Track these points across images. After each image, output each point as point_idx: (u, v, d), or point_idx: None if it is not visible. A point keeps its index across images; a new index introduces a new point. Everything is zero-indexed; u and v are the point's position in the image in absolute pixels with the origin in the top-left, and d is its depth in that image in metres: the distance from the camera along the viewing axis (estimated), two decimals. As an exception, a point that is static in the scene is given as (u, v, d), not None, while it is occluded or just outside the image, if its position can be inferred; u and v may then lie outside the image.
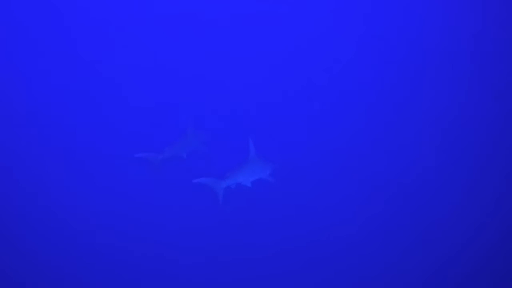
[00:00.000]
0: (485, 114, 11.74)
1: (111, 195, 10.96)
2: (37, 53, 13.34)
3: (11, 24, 13.45)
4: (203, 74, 13.01)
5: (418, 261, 9.74)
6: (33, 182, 11.29)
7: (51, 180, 11.36)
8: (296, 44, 13.21)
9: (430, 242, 10.00)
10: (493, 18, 12.48)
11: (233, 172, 8.09)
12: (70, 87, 13.07)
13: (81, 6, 13.59)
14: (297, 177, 10.84)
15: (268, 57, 13.09)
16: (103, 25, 13.49)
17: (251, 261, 9.85)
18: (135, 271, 9.85)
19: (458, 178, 10.98)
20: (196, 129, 10.14)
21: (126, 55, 13.39)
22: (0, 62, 13.14)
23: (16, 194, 11.05)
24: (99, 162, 11.73)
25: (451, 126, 11.76)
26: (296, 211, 10.56)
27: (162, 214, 10.67)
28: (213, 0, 13.49)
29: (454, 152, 11.39)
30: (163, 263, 9.94)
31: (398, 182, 10.91)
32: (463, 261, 9.58)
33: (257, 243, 10.08)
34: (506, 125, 11.54)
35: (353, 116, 12.27)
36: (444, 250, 9.85)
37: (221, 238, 10.20)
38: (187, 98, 12.51)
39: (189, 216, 10.58)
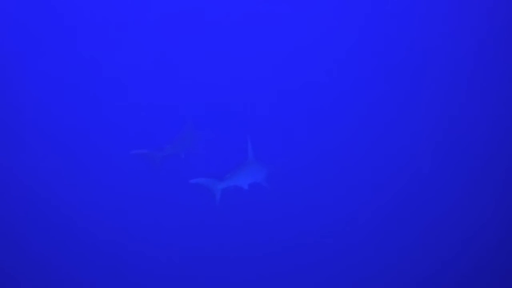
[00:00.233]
0: (485, 113, 11.70)
1: (108, 194, 10.98)
2: (38, 52, 13.32)
3: (12, 23, 13.43)
4: (201, 74, 12.97)
5: (417, 261, 9.74)
6: (33, 180, 11.29)
7: (50, 178, 11.37)
8: (295, 45, 13.17)
9: (429, 242, 10.00)
10: (493, 17, 12.45)
11: (232, 174, 8.04)
12: (70, 86, 13.04)
13: (82, 5, 13.55)
14: (294, 179, 10.82)
15: (266, 58, 13.04)
16: (102, 24, 13.46)
17: (248, 261, 9.87)
18: (133, 269, 9.87)
19: (457, 178, 10.97)
20: (193, 127, 10.14)
21: (125, 54, 13.34)
22: (1, 62, 13.12)
23: (16, 192, 11.06)
24: (97, 161, 11.75)
25: (450, 126, 11.74)
26: (293, 213, 10.56)
27: (159, 213, 10.69)
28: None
29: (454, 152, 11.37)
30: (160, 262, 9.96)
31: (397, 184, 10.90)
32: (463, 261, 9.58)
33: (254, 244, 10.10)
34: (506, 125, 11.50)
35: (352, 118, 12.24)
36: (443, 251, 9.86)
37: (217, 238, 10.21)
38: (185, 97, 12.49)
39: (187, 216, 10.59)
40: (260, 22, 13.23)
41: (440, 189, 10.81)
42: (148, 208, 10.82)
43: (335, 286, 9.47)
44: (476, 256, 9.63)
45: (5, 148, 11.81)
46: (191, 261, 9.91)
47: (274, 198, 10.28)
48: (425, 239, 10.05)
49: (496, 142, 11.25)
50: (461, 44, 12.42)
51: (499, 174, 10.84)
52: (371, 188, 10.90)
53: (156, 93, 12.93)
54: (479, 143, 11.33)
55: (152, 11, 13.62)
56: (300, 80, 12.88)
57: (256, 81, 12.85)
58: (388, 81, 12.49)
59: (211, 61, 13.02)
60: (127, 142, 11.35)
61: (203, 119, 11.14)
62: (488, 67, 12.17)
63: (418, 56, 12.58)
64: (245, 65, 12.88)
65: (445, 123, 11.79)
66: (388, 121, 12.07)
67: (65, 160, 11.81)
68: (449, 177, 10.99)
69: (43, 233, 10.38)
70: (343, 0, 13.15)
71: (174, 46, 13.42)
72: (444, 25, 12.73)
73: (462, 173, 11.03)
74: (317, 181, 11.04)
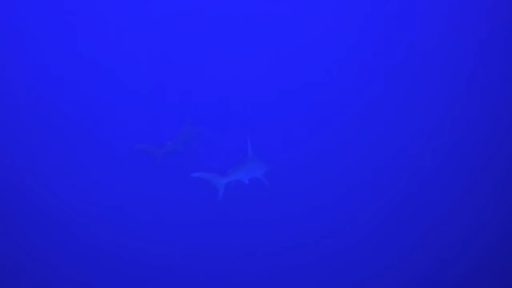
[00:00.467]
0: (485, 113, 11.72)
1: (109, 191, 10.98)
2: (39, 51, 13.34)
3: (12, 22, 13.45)
4: (201, 72, 12.99)
5: (417, 260, 9.72)
6: (36, 178, 11.32)
7: (51, 176, 11.38)
8: (295, 43, 13.18)
9: (429, 242, 9.99)
10: (493, 17, 12.47)
11: (233, 169, 8.08)
12: (71, 84, 13.07)
13: (83, 4, 13.56)
14: (294, 177, 10.82)
15: (267, 56, 13.07)
16: (104, 24, 13.48)
17: (248, 259, 9.86)
18: (135, 266, 9.87)
19: (457, 177, 10.98)
20: (192, 125, 10.16)
21: (125, 52, 13.38)
22: (1, 61, 13.13)
23: (18, 190, 11.07)
24: (97, 158, 11.77)
25: (450, 126, 11.75)
26: (293, 212, 10.56)
27: (159, 210, 10.69)
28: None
29: (454, 151, 11.37)
30: (161, 259, 9.94)
31: (397, 184, 10.89)
32: (463, 261, 9.57)
33: (254, 242, 10.09)
34: (506, 125, 11.50)
35: (352, 117, 12.25)
36: (443, 250, 9.85)
37: (217, 236, 10.21)
38: (184, 95, 12.53)
39: (187, 213, 10.59)
40: (261, 21, 13.25)
41: (440, 188, 10.81)
42: (149, 205, 10.83)
43: (335, 285, 9.45)
44: (476, 256, 9.62)
45: (6, 146, 11.83)
46: (191, 258, 9.89)
47: (274, 196, 10.29)
48: (425, 238, 10.04)
49: (496, 141, 11.25)
50: (461, 44, 12.45)
51: (499, 173, 10.84)
52: (371, 187, 10.89)
53: (156, 91, 12.96)
54: (479, 142, 11.34)
55: (154, 10, 13.61)
56: (300, 79, 12.91)
57: (256, 79, 12.87)
58: (388, 81, 12.51)
59: (211, 59, 13.04)
60: (128, 139, 11.48)
61: (202, 117, 11.11)
62: (488, 67, 12.19)
63: (418, 56, 12.62)
64: (246, 63, 12.92)
65: (445, 123, 11.81)
66: (388, 121, 12.09)
67: (66, 157, 11.82)
68: (449, 177, 10.99)
69: (44, 230, 10.37)
70: (343, 0, 13.18)
71: (175, 44, 13.42)
72: (443, 25, 12.76)
73: (462, 173, 11.04)
74: (317, 179, 11.04)
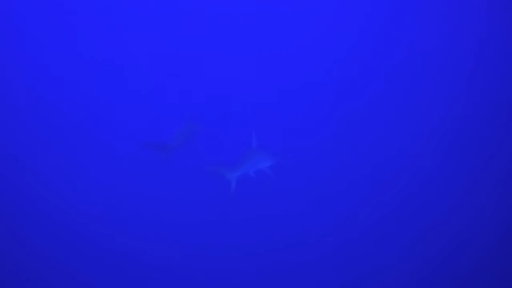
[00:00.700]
0: (485, 113, 11.74)
1: (109, 190, 11.01)
2: (39, 51, 13.32)
3: (13, 22, 13.43)
4: (201, 68, 12.97)
5: (418, 259, 9.76)
6: (35, 178, 11.33)
7: (51, 175, 11.40)
8: (299, 38, 13.17)
9: (431, 240, 10.01)
10: (493, 17, 12.47)
11: (241, 162, 8.13)
12: (70, 84, 13.06)
13: (83, 4, 13.54)
14: (295, 173, 10.83)
15: (269, 52, 13.08)
16: (106, 23, 13.46)
17: (250, 257, 9.90)
18: (138, 266, 9.88)
19: (457, 177, 11.00)
20: (192, 121, 10.15)
21: (126, 51, 13.38)
22: (2, 61, 13.11)
23: (20, 190, 11.10)
24: (97, 158, 11.78)
25: (451, 125, 11.77)
26: (295, 208, 10.57)
27: (160, 208, 10.74)
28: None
29: (454, 150, 11.39)
30: (163, 258, 9.96)
31: (399, 182, 10.92)
32: (461, 261, 9.60)
33: (255, 238, 10.12)
34: (505, 124, 11.52)
35: (353, 113, 12.26)
36: (444, 248, 9.88)
37: (219, 233, 10.25)
38: (184, 91, 12.51)
39: (189, 210, 10.64)
40: (263, 15, 13.22)
41: (441, 187, 10.84)
42: (151, 203, 10.84)
43: (337, 282, 9.50)
44: (475, 255, 9.66)
45: (7, 146, 11.84)
46: (193, 257, 9.92)
47: (276, 192, 10.32)
48: (427, 236, 10.06)
49: (496, 140, 11.27)
50: (461, 44, 12.46)
51: (499, 172, 10.86)
52: (373, 183, 10.91)
53: (156, 89, 12.94)
54: (479, 141, 11.37)
55: (154, 9, 13.58)
56: (303, 75, 12.90)
57: (257, 75, 12.87)
58: (390, 79, 12.51)
59: (212, 56, 13.04)
60: (128, 137, 11.54)
61: (202, 113, 11.08)
62: (488, 66, 12.19)
63: (419, 55, 12.63)
64: (249, 58, 12.95)
65: (445, 122, 11.84)
66: (391, 117, 12.11)
67: (66, 156, 11.81)
68: (450, 175, 11.01)
69: (45, 230, 10.37)
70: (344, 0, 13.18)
71: (174, 42, 13.38)
72: (443, 25, 12.77)
73: (462, 171, 11.07)
74: (318, 176, 11.06)
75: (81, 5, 13.55)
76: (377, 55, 12.88)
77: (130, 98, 12.87)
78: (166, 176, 10.95)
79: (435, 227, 10.16)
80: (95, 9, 13.60)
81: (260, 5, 13.35)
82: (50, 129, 12.36)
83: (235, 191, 8.09)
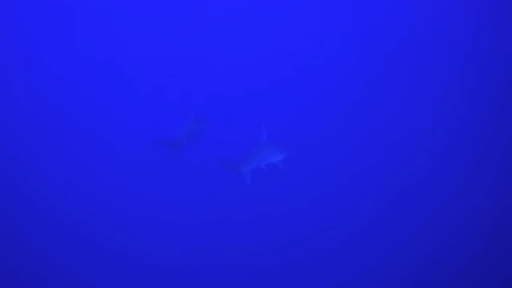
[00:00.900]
0: (482, 111, 11.76)
1: (111, 191, 11.04)
2: (42, 51, 13.29)
3: (12, 22, 13.42)
4: (205, 65, 12.95)
5: (417, 256, 9.82)
6: (36, 179, 11.35)
7: (52, 176, 11.40)
8: (302, 34, 13.14)
9: (430, 237, 10.07)
10: (491, 16, 12.48)
11: (252, 156, 8.10)
12: (72, 85, 13.05)
13: (84, 3, 13.51)
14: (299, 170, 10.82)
15: (273, 49, 13.12)
16: (110, 22, 13.44)
17: (253, 256, 9.94)
18: (143, 267, 9.95)
19: (456, 174, 11.06)
20: (197, 119, 10.13)
21: (129, 51, 13.37)
22: (2, 61, 13.10)
23: (25, 190, 11.13)
24: (97, 158, 11.78)
25: (449, 123, 11.82)
26: (298, 205, 10.65)
27: (166, 207, 10.81)
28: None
29: (451, 149, 11.40)
30: (166, 259, 10.03)
31: (402, 180, 10.94)
32: (459, 258, 9.67)
33: (258, 236, 10.19)
34: (502, 123, 11.50)
35: (352, 113, 12.28)
36: (439, 249, 9.93)
37: (221, 233, 10.32)
38: (188, 89, 12.50)
39: (193, 210, 10.71)
40: (266, 15, 13.23)
41: (441, 185, 10.88)
42: (154, 202, 10.92)
43: (337, 279, 9.53)
44: (473, 252, 9.74)
45: (26, 148, 11.84)
46: (194, 257, 9.98)
47: (280, 189, 10.33)
48: (426, 234, 10.13)
49: (492, 139, 11.31)
50: (460, 42, 12.49)
51: (495, 172, 10.90)
52: (370, 183, 10.94)
53: (159, 88, 12.92)
54: (475, 140, 11.40)
55: (158, 8, 13.54)
56: (306, 74, 12.91)
57: (262, 72, 12.84)
58: (390, 76, 12.51)
59: (216, 53, 13.04)
60: (130, 137, 11.64)
61: (207, 111, 11.03)
62: (485, 64, 12.19)
63: (418, 54, 12.62)
64: (256, 54, 12.96)
65: (444, 120, 11.88)
66: (391, 114, 12.11)
67: (66, 157, 11.83)
68: (449, 173, 11.06)
69: (45, 231, 10.41)
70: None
71: (178, 41, 13.36)
72: (442, 23, 12.79)
73: (461, 169, 11.13)
74: (321, 173, 11.10)
75: (82, 5, 13.49)
76: (378, 52, 12.87)
77: (131, 97, 12.86)
78: (167, 175, 10.98)
79: (435, 224, 10.23)
80: (96, 9, 13.55)
81: (264, 2, 13.28)
82: (50, 129, 12.36)
83: (249, 185, 8.06)
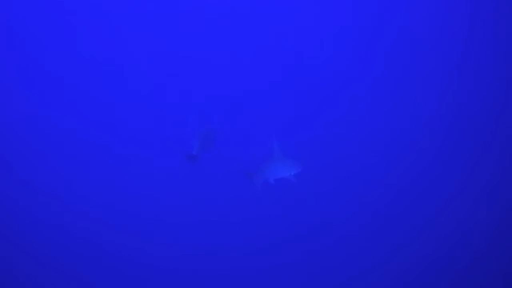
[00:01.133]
0: (483, 111, 11.83)
1: (113, 189, 11.12)
2: (43, 51, 13.21)
3: (12, 22, 13.34)
4: (215, 73, 12.86)
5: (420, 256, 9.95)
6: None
7: (55, 176, 11.49)
8: (315, 43, 13.10)
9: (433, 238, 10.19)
10: (491, 16, 12.53)
11: (259, 169, 8.24)
12: (72, 84, 12.99)
13: (87, 5, 13.43)
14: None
15: (280, 55, 12.99)
16: (105, 24, 13.36)
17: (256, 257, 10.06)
18: (148, 269, 10.05)
19: (455, 174, 11.16)
20: (207, 127, 10.14)
21: (127, 51, 13.25)
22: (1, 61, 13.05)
23: (25, 189, 11.19)
24: (99, 159, 11.82)
25: (448, 123, 11.87)
26: (298, 206, 10.72)
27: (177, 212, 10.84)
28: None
29: (451, 150, 11.50)
30: (165, 259, 10.18)
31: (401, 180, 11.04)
32: (458, 260, 9.83)
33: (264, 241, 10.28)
34: (503, 123, 11.62)
35: (355, 116, 12.28)
36: (439, 249, 10.07)
37: (221, 235, 10.45)
38: (199, 96, 12.45)
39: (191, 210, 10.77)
40: (274, 19, 13.13)
41: (443, 186, 10.98)
42: (154, 203, 11.00)
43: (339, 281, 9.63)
44: (471, 253, 9.88)
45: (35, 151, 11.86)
46: (194, 258, 10.10)
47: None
48: (429, 235, 10.25)
49: (493, 140, 11.39)
50: (461, 41, 12.51)
51: (495, 172, 11.00)
52: (379, 185, 11.02)
53: (170, 94, 12.80)
54: (475, 141, 11.48)
55: (165, 16, 13.42)
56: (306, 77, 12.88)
57: (275, 79, 12.79)
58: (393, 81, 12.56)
59: (223, 59, 12.90)
60: (129, 136, 11.74)
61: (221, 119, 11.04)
62: (485, 64, 12.25)
63: (418, 54, 12.67)
64: (268, 63, 12.82)
65: (444, 121, 11.92)
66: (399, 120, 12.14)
67: (69, 156, 11.88)
68: (449, 173, 11.16)
69: (48, 230, 10.51)
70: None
71: (182, 44, 13.25)
72: (442, 23, 12.82)
73: (459, 170, 11.23)
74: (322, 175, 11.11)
75: (83, 5, 13.40)
76: (379, 53, 12.89)
77: (131, 98, 12.80)
78: (165, 176, 11.07)
79: (436, 225, 10.35)
80: (98, 9, 13.45)
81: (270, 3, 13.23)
82: (50, 129, 12.32)
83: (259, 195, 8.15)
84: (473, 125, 11.74)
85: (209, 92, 12.32)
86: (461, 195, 10.69)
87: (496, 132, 11.49)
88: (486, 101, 11.90)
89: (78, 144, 12.11)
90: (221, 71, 12.68)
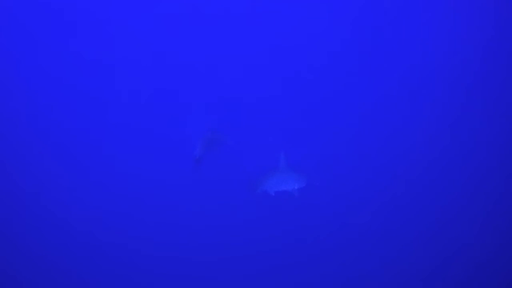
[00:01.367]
0: (487, 112, 11.79)
1: (113, 189, 11.12)
2: (43, 51, 13.11)
3: (11, 23, 13.28)
4: (220, 78, 12.76)
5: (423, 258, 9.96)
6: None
7: (55, 176, 11.49)
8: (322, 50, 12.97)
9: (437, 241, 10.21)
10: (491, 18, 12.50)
11: (261, 180, 8.27)
12: (72, 85, 12.90)
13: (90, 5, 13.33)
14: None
15: (292, 62, 12.83)
16: (105, 24, 13.29)
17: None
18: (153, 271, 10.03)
19: (459, 177, 11.19)
20: (213, 132, 10.12)
21: (128, 51, 13.12)
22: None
23: (25, 189, 11.19)
24: (100, 160, 11.78)
25: (453, 126, 11.85)
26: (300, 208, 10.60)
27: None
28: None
29: (456, 151, 11.50)
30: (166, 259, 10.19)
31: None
32: (462, 263, 9.81)
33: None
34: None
35: (358, 118, 12.26)
36: (444, 250, 10.11)
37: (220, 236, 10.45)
38: (205, 102, 12.32)
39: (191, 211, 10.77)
40: (279, 24, 12.99)
41: (445, 187, 11.04)
42: (153, 203, 10.99)
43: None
44: (476, 256, 9.91)
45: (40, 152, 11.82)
46: (195, 259, 10.11)
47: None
48: (432, 237, 10.27)
49: (499, 141, 11.32)
50: (465, 43, 12.47)
51: (502, 173, 10.95)
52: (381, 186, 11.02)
53: (174, 98, 12.70)
54: (481, 142, 11.47)
55: (168, 19, 13.30)
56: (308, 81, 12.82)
57: (275, 83, 12.66)
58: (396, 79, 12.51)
59: (228, 64, 12.78)
60: (129, 136, 11.72)
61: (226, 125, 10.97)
62: (488, 65, 12.21)
63: (421, 55, 12.63)
64: (265, 67, 12.72)
65: (449, 122, 11.90)
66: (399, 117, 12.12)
67: (69, 157, 11.86)
68: (452, 176, 11.20)
69: (48, 230, 10.53)
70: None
71: (187, 48, 13.11)
72: (441, 24, 12.77)
73: (463, 172, 11.26)
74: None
75: (85, 5, 13.32)
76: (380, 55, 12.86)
77: (132, 99, 12.74)
78: (164, 176, 11.10)
79: (440, 227, 10.33)
80: (101, 9, 13.36)
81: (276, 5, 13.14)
82: (50, 129, 12.28)
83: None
84: (482, 125, 11.76)
85: (218, 96, 12.27)
86: (463, 199, 10.77)
87: (497, 133, 11.50)
88: (492, 101, 11.94)
89: (78, 145, 12.10)
90: (232, 76, 12.60)
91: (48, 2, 13.10)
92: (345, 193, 10.86)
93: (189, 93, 12.41)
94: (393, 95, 12.35)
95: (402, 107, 12.19)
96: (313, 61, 12.74)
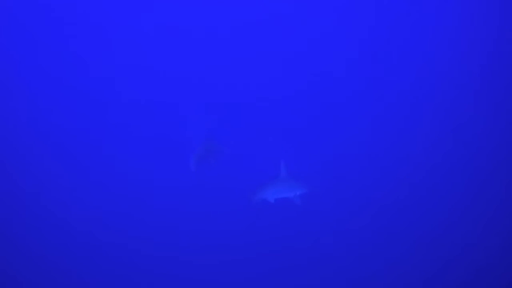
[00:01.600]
0: (490, 115, 11.76)
1: (113, 190, 11.12)
2: (43, 52, 13.14)
3: (11, 23, 13.28)
4: (222, 82, 12.76)
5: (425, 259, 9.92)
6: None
7: (54, 176, 11.48)
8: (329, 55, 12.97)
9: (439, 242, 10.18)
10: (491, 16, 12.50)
11: (261, 188, 8.24)
12: (72, 85, 12.95)
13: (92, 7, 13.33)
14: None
15: (297, 68, 12.86)
16: (106, 24, 13.31)
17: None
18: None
19: (460, 180, 11.15)
20: (212, 138, 10.09)
21: (128, 51, 13.17)
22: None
23: (25, 190, 11.16)
24: (100, 161, 11.78)
25: (455, 129, 11.85)
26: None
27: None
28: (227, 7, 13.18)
29: (457, 154, 11.47)
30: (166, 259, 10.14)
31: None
32: (465, 265, 9.74)
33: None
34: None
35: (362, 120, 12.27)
36: (447, 253, 10.05)
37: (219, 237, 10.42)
38: (204, 106, 12.32)
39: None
40: (282, 28, 12.97)
41: (448, 189, 11.01)
42: (153, 204, 10.99)
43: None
44: (478, 259, 9.83)
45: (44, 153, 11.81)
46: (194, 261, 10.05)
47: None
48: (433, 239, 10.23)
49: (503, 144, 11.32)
50: (468, 45, 12.44)
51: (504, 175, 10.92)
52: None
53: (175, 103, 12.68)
54: (484, 144, 11.43)
55: (170, 24, 13.30)
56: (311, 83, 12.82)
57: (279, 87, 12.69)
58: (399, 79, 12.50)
59: (233, 69, 12.77)
60: (129, 136, 11.66)
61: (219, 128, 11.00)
62: (491, 67, 12.21)
63: (424, 57, 12.61)
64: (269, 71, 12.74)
65: (452, 125, 11.88)
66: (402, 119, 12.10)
67: (69, 157, 11.87)
68: (454, 177, 11.18)
69: (48, 230, 10.49)
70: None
71: (190, 53, 13.16)
72: (441, 24, 12.77)
73: (465, 174, 11.23)
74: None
75: (84, 5, 13.33)
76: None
77: (132, 99, 12.76)
78: (164, 176, 11.06)
79: (442, 230, 10.30)
80: (104, 10, 13.37)
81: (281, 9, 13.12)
82: (51, 129, 12.31)
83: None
84: (478, 130, 11.76)
85: (218, 102, 12.28)
86: (466, 202, 10.76)
87: (500, 136, 11.49)
88: (495, 101, 11.91)
89: (78, 146, 12.12)
90: (233, 82, 12.62)
91: (48, 3, 13.11)
92: (347, 198, 10.89)
93: (190, 96, 12.41)
94: (393, 101, 12.35)
95: (402, 112, 12.19)
96: (313, 68, 12.75)
